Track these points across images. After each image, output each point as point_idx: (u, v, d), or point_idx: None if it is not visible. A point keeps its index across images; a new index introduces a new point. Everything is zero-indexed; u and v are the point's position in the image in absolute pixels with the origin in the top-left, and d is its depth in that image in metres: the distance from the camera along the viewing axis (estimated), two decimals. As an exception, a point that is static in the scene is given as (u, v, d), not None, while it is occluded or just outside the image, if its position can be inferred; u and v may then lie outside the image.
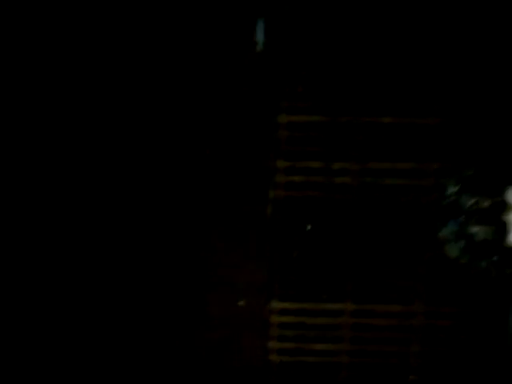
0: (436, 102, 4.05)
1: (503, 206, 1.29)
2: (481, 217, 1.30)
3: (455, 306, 4.25)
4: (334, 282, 4.23)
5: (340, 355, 4.34)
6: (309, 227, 4.16)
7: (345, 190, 4.13)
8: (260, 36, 3.97)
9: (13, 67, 3.91)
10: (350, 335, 4.29)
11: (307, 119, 4.07)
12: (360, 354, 4.31)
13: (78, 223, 4.05)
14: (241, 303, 4.20)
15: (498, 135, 3.78)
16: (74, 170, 4.02)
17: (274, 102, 4.01)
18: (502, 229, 1.30)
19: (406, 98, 4.07)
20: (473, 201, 1.31)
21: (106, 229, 4.04)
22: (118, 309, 4.10)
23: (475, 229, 1.34)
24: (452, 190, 1.36)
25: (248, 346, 4.27)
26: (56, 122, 3.98)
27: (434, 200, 3.77)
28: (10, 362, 4.10)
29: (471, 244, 1.34)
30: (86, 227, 4.04)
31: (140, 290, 4.11)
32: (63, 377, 4.16)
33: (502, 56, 3.98)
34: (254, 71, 4.00)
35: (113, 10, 3.89)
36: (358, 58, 4.02)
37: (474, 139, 3.92)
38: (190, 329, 4.19)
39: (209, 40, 3.98)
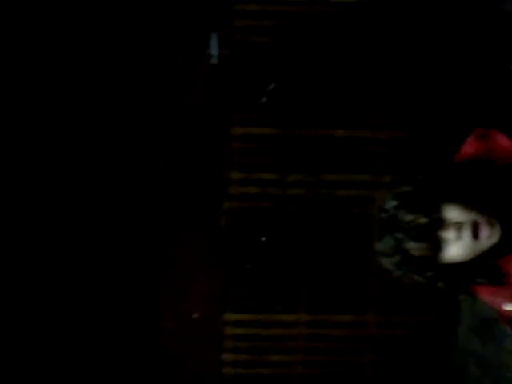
0: (389, 116, 4.13)
1: (439, 223, 1.31)
2: (417, 233, 1.32)
3: (407, 315, 4.31)
4: (288, 293, 4.24)
5: (294, 366, 4.34)
6: (263, 238, 4.17)
7: (299, 202, 4.16)
8: (214, 49, 3.99)
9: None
10: (304, 346, 4.30)
11: (261, 131, 4.10)
12: (314, 365, 4.33)
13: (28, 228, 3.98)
14: (195, 315, 4.18)
15: (439, 152, 3.88)
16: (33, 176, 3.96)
17: (227, 113, 4.02)
18: (437, 246, 1.31)
19: (360, 111, 4.13)
20: (410, 217, 1.32)
21: (53, 238, 3.98)
22: (68, 320, 4.02)
23: (411, 244, 1.34)
24: (390, 204, 1.38)
25: (202, 358, 4.24)
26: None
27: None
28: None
29: (406, 259, 1.35)
30: (34, 234, 3.97)
31: (91, 302, 4.04)
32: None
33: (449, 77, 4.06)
34: (207, 83, 4.00)
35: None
36: (312, 71, 4.07)
37: (420, 154, 4.01)
38: (143, 341, 4.14)
39: (164, 52, 3.98)
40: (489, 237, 1.30)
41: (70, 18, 3.85)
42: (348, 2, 3.99)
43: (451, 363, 4.39)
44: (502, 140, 1.46)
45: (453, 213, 1.33)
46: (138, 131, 3.99)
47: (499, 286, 1.36)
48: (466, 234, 1.30)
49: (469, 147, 1.50)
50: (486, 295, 1.40)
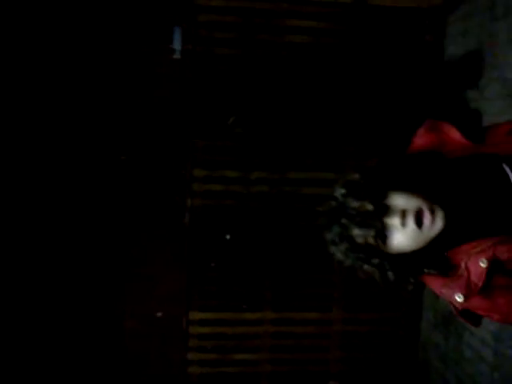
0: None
1: (385, 210, 1.31)
2: (362, 219, 1.31)
3: (372, 311, 4.33)
4: (254, 291, 4.22)
5: (260, 364, 4.32)
6: (227, 236, 4.14)
7: (263, 199, 4.13)
8: (177, 44, 3.94)
9: None
10: (269, 344, 4.28)
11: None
12: (280, 363, 4.31)
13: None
14: (159, 314, 4.12)
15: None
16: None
17: (190, 110, 3.97)
18: (382, 233, 1.31)
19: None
20: (356, 204, 1.31)
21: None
22: (30, 319, 3.93)
23: (355, 231, 1.33)
24: (339, 192, 1.36)
25: (167, 357, 4.19)
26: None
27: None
28: None
29: (353, 246, 1.35)
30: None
31: (53, 302, 3.96)
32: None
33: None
34: (171, 78, 3.95)
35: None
36: (277, 73, 4.06)
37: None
38: (106, 341, 4.07)
39: (127, 47, 3.90)
40: (431, 224, 1.30)
41: (36, 12, 3.76)
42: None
43: (415, 358, 4.42)
44: (453, 133, 1.46)
45: (398, 200, 1.33)
46: (99, 126, 3.91)
47: (448, 277, 1.36)
48: (410, 220, 1.29)
49: (420, 139, 1.50)
50: (437, 287, 1.39)
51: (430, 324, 4.30)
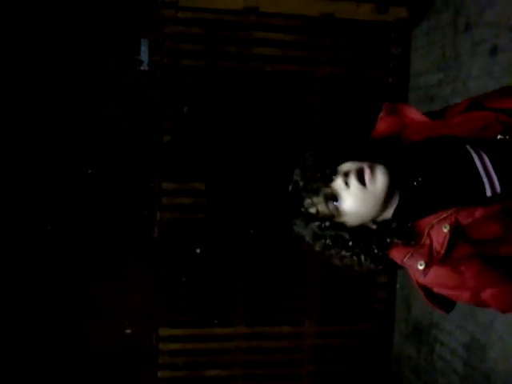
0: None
1: (331, 176, 1.36)
2: (311, 188, 1.37)
3: (344, 324, 4.30)
4: (225, 306, 4.15)
5: (233, 380, 4.24)
6: (198, 250, 4.08)
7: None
8: (144, 56, 3.91)
9: None
10: (242, 359, 4.21)
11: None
12: (253, 378, 4.24)
13: None
14: (127, 331, 4.02)
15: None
16: None
17: (158, 122, 3.93)
18: (331, 197, 1.36)
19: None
20: (308, 178, 1.37)
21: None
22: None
23: (307, 201, 1.38)
24: (295, 174, 1.42)
25: (137, 375, 4.09)
26: None
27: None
28: None
29: (308, 219, 1.39)
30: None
31: (18, 321, 3.83)
32: None
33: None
34: (138, 90, 3.90)
35: None
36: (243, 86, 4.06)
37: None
38: (73, 360, 3.94)
39: (93, 58, 3.85)
40: (372, 179, 1.32)
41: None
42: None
43: (387, 370, 4.39)
44: (412, 113, 1.48)
45: (344, 166, 1.37)
46: (64, 140, 3.83)
47: (412, 246, 1.36)
48: (352, 179, 1.33)
49: (381, 124, 1.51)
50: (400, 258, 1.38)
51: (403, 336, 4.28)
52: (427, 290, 1.39)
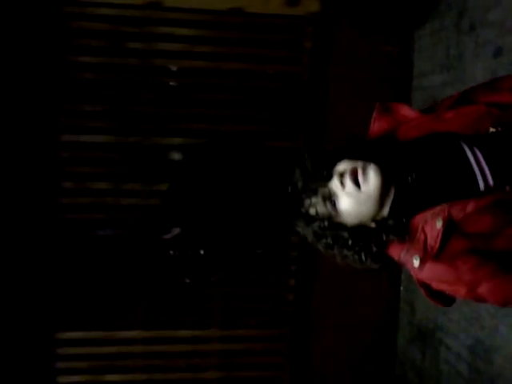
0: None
1: (329, 177, 1.41)
2: (310, 189, 1.42)
3: (251, 328, 4.20)
4: (125, 309, 4.02)
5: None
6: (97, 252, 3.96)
7: (134, 212, 3.97)
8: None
9: None
10: (143, 363, 4.09)
11: (92, 139, 3.90)
12: (152, 383, 4.13)
13: None
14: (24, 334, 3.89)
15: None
16: None
17: (55, 118, 3.79)
18: (329, 198, 1.40)
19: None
20: (307, 180, 1.43)
21: None
22: None
23: (306, 202, 1.43)
24: (295, 176, 1.46)
25: (34, 380, 3.96)
26: None
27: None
28: None
29: (308, 220, 1.44)
30: None
31: None
32: None
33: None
34: (36, 85, 3.76)
35: None
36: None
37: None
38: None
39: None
40: (364, 180, 1.36)
41: None
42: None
43: (392, 374, 4.35)
44: (405, 110, 1.53)
45: (340, 166, 1.41)
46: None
47: (407, 242, 1.39)
48: (347, 179, 1.37)
49: (376, 124, 1.55)
50: (397, 254, 1.42)
51: (407, 339, 4.24)
52: (426, 287, 1.42)
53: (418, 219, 1.38)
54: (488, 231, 1.33)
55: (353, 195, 1.37)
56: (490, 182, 1.38)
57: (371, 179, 1.36)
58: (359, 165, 1.37)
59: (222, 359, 4.18)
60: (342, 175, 1.37)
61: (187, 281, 4.01)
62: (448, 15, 3.77)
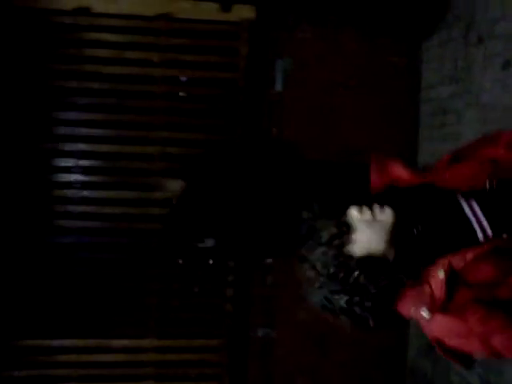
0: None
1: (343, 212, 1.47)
2: (325, 214, 1.49)
3: (190, 338, 4.12)
4: (56, 318, 3.97)
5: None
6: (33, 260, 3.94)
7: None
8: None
9: None
10: (77, 374, 4.03)
11: None
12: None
13: None
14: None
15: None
16: None
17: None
18: (347, 228, 1.44)
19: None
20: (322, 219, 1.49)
21: None
22: None
23: (321, 222, 1.48)
24: (305, 215, 1.53)
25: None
26: None
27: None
28: None
29: (321, 244, 1.45)
30: None
31: None
32: None
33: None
34: None
35: None
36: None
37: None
38: None
39: None
40: (381, 211, 1.42)
41: None
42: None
43: None
44: (398, 170, 1.61)
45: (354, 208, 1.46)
46: None
47: (415, 294, 1.41)
48: (365, 209, 1.43)
49: (374, 178, 1.64)
50: (407, 309, 1.43)
51: (418, 351, 4.17)
52: (440, 344, 1.44)
53: (422, 272, 1.42)
54: (491, 280, 1.37)
55: (368, 221, 1.42)
56: (489, 232, 1.45)
57: (387, 211, 1.43)
58: (376, 204, 1.45)
59: (159, 370, 4.11)
60: (361, 208, 1.43)
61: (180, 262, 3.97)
62: (456, 26, 3.74)
